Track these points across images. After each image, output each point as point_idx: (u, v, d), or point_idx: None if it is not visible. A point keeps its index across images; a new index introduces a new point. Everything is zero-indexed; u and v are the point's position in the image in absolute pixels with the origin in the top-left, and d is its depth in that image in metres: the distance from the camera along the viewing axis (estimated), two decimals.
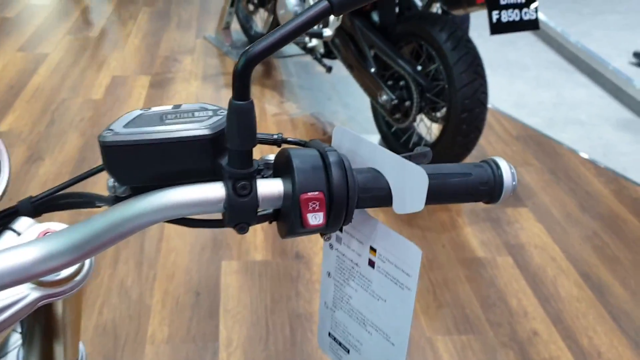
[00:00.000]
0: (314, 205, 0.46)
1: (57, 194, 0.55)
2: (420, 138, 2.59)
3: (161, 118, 0.48)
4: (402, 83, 2.45)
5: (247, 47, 0.44)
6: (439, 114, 2.45)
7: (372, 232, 0.52)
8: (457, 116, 2.25)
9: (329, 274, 0.58)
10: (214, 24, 4.05)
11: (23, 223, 0.54)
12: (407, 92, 2.43)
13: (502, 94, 3.37)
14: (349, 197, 0.48)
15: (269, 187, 0.48)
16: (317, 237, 2.26)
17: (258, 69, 3.56)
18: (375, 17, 2.65)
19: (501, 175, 0.52)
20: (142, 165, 0.47)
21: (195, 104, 0.51)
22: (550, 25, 4.11)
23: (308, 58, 3.61)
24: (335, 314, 0.58)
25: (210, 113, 0.49)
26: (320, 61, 2.94)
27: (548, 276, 2.07)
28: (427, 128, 2.56)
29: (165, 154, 0.47)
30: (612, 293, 2.01)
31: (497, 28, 2.07)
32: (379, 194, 0.50)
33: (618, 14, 4.75)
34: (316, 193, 0.47)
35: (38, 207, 0.55)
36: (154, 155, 0.46)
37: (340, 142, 0.53)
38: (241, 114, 0.44)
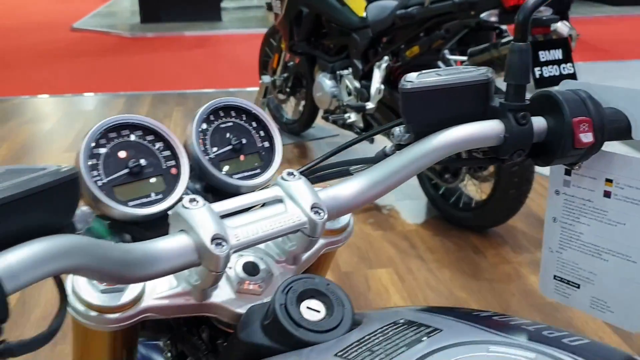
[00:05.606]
0: (584, 127, 0.56)
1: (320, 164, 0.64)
2: (470, 198, 2.69)
3: (438, 74, 0.58)
4: None
5: None
6: (485, 173, 2.56)
7: (608, 165, 0.61)
8: (509, 170, 2.36)
9: (554, 220, 0.66)
10: None
11: None
12: None
13: None
14: (604, 123, 0.57)
15: (535, 121, 0.58)
16: None
17: (295, 152, 3.71)
18: None
19: None
20: (432, 108, 0.56)
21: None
22: None
23: (339, 139, 3.77)
24: (563, 255, 0.66)
25: (473, 68, 0.59)
26: (359, 134, 3.09)
27: None
28: (477, 186, 2.66)
29: (454, 97, 0.57)
30: None
31: (541, 83, 2.22)
32: (619, 126, 0.59)
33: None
34: (585, 117, 0.56)
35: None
36: (444, 98, 0.56)
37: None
38: (521, 53, 0.55)
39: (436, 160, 0.56)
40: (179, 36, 7.83)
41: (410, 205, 2.93)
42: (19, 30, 8.58)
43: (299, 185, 0.54)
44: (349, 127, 3.13)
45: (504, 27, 2.58)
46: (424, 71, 0.57)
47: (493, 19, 2.32)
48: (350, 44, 3.00)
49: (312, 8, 3.13)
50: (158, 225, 0.56)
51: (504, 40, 2.43)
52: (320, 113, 3.44)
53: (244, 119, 0.65)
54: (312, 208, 0.53)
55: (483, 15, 2.31)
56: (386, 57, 2.76)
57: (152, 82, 5.55)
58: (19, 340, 0.37)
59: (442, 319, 0.46)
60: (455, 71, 0.58)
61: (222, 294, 0.55)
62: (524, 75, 0.56)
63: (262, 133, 0.66)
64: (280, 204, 0.54)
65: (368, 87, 2.85)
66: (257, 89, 3.80)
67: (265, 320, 0.50)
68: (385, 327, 0.46)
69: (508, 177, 2.39)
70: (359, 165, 0.64)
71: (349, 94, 3.04)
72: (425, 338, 0.43)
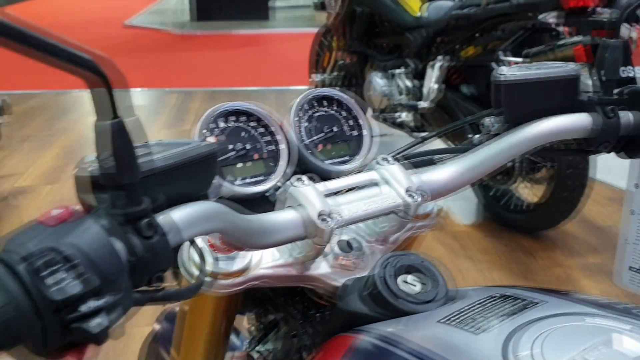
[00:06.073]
0: None
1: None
2: (521, 200, 2.68)
3: (532, 67, 0.61)
4: None
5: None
6: (539, 175, 2.55)
7: None
8: (563, 173, 2.36)
9: (632, 212, 0.68)
10: None
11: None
12: None
13: None
14: None
15: (623, 115, 0.61)
16: None
17: None
18: (464, 89, 2.83)
19: None
20: (526, 100, 0.60)
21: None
22: None
23: (387, 138, 3.79)
24: (639, 246, 0.68)
25: (563, 64, 0.63)
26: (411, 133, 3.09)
27: None
28: (529, 189, 2.65)
29: (546, 90, 0.60)
30: None
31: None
32: None
33: None
34: None
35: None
36: (537, 91, 0.59)
37: None
38: (612, 49, 0.58)
39: (526, 149, 0.59)
40: (228, 34, 7.96)
41: (461, 206, 2.94)
42: (74, 26, 8.86)
43: (394, 170, 0.58)
44: (400, 125, 3.15)
45: (560, 29, 2.57)
46: (517, 65, 0.61)
47: (551, 20, 2.31)
48: (405, 43, 3.02)
49: (367, 7, 3.17)
50: (256, 203, 0.61)
51: (560, 42, 2.42)
52: (369, 112, 3.46)
53: (335, 109, 0.70)
54: (407, 191, 0.57)
55: (541, 16, 2.31)
56: (443, 57, 2.77)
57: (202, 79, 5.67)
58: (175, 289, 0.43)
59: (536, 293, 0.50)
60: (547, 65, 0.61)
61: (319, 268, 0.60)
62: (614, 71, 0.59)
63: (351, 122, 0.70)
64: (377, 186, 0.58)
65: (422, 86, 2.87)
66: (305, 87, 3.86)
67: (364, 291, 0.54)
68: (483, 300, 0.50)
69: (563, 180, 2.38)
70: (444, 155, 0.67)
71: (402, 92, 3.06)
72: (524, 309, 0.46)
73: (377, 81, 3.17)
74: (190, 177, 0.45)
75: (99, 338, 0.34)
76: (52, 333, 0.34)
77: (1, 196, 3.10)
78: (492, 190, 2.77)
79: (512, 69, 0.60)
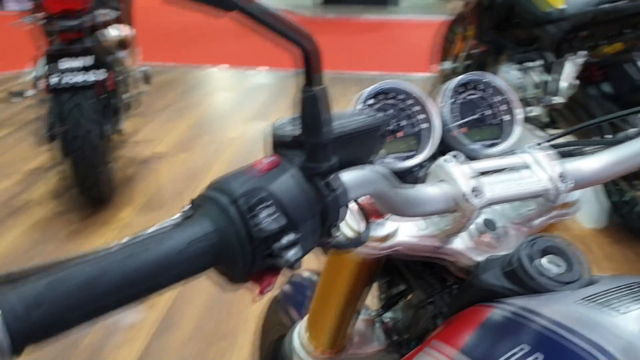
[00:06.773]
0: None
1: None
2: None
3: None
4: None
5: None
6: None
7: None
8: None
9: None
10: None
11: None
12: None
13: None
14: None
15: None
16: None
17: None
18: (606, 87, 2.70)
19: None
20: None
21: None
22: None
23: None
24: None
25: None
26: (543, 129, 3.00)
27: None
28: None
29: None
30: None
31: None
32: None
33: None
34: None
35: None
36: None
37: None
38: None
39: None
40: (356, 19, 8.02)
41: (590, 208, 2.81)
42: None
43: (540, 156, 0.59)
44: (528, 120, 3.05)
45: None
46: None
47: None
48: (543, 36, 2.91)
49: None
50: (402, 177, 0.65)
51: None
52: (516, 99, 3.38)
53: (482, 94, 0.72)
54: (552, 178, 0.58)
55: None
56: (583, 52, 2.66)
57: (329, 62, 5.74)
58: (344, 238, 0.48)
59: None
60: None
61: (456, 243, 0.62)
62: None
63: (496, 108, 0.72)
64: (522, 171, 0.59)
65: (557, 81, 2.77)
66: (425, 74, 3.83)
67: (508, 267, 0.56)
68: (621, 285, 0.50)
69: None
70: (593, 147, 0.67)
71: (534, 86, 2.97)
72: None
73: (510, 73, 3.09)
74: (359, 145, 0.49)
75: (283, 269, 0.41)
76: (249, 260, 0.40)
77: (141, 159, 3.36)
78: (619, 195, 2.63)
79: None
